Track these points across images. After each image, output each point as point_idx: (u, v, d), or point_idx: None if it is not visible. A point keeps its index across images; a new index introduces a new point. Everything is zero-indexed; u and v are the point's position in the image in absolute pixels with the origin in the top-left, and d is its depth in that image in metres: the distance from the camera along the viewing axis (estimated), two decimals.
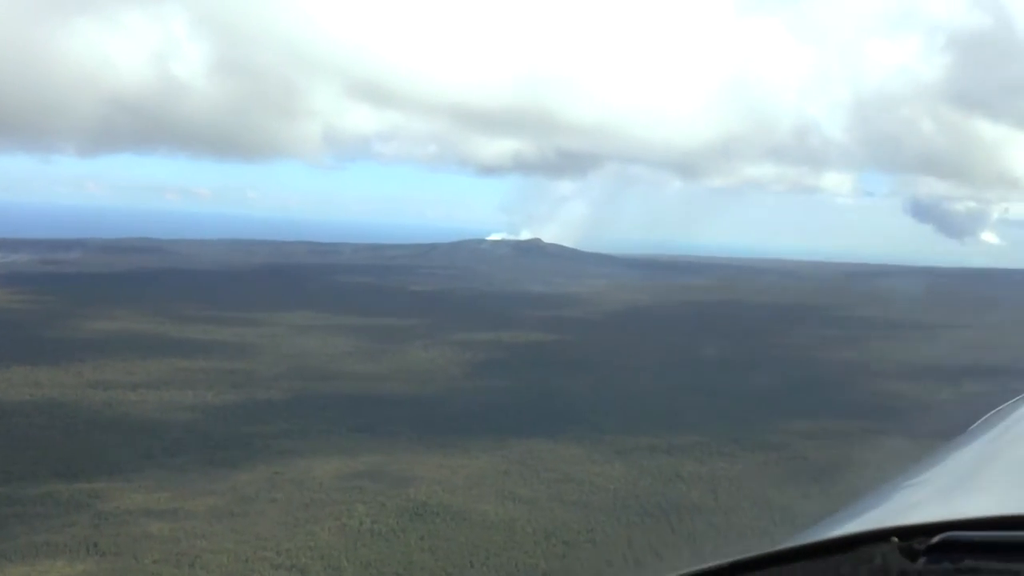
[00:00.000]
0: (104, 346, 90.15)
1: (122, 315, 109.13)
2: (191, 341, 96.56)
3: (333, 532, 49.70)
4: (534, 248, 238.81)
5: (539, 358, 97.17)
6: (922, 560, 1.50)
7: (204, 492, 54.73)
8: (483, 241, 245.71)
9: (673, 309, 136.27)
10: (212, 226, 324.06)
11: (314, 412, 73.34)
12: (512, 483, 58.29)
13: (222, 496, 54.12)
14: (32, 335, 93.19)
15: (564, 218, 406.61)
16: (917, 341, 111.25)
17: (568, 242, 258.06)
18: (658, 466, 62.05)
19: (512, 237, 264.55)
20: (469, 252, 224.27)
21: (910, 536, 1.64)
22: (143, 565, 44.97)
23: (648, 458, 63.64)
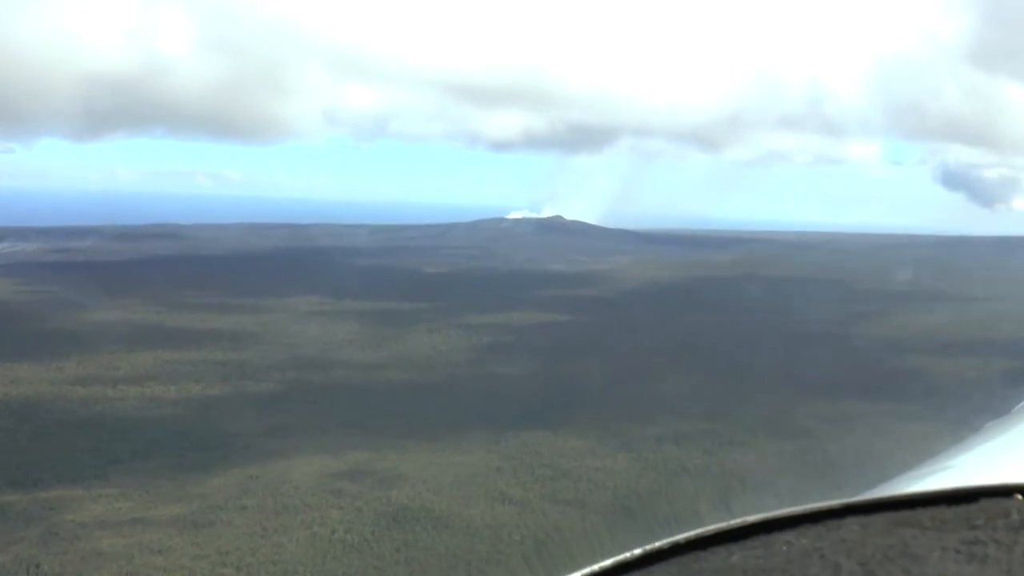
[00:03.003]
0: (95, 339, 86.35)
1: (122, 305, 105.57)
2: (186, 331, 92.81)
3: (302, 543, 45.49)
4: (556, 225, 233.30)
5: (549, 341, 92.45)
6: None
7: (170, 499, 50.75)
8: (503, 220, 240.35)
9: (695, 286, 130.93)
10: (237, 210, 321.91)
11: (303, 406, 69.24)
12: (504, 482, 53.81)
13: (189, 504, 50.08)
14: (22, 328, 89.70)
15: (586, 194, 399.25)
16: (956, 314, 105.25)
17: (591, 219, 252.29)
18: (663, 459, 57.30)
19: (533, 215, 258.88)
20: (489, 231, 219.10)
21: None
22: None
23: (653, 450, 58.91)
